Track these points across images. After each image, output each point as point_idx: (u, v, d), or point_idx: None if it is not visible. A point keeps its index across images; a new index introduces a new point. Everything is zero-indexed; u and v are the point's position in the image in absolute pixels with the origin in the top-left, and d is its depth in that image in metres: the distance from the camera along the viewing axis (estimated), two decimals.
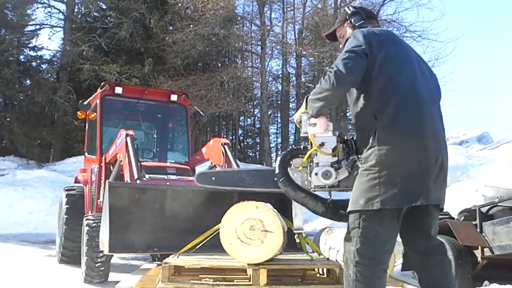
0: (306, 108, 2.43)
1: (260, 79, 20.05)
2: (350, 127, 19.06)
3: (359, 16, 2.58)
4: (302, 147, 2.61)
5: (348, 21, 2.61)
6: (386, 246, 2.21)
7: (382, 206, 2.13)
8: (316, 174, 2.42)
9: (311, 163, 2.49)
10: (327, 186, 2.44)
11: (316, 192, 2.51)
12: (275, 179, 2.58)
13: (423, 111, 2.24)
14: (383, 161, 2.16)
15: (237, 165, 5.23)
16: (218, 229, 3.43)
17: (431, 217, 2.32)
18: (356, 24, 2.55)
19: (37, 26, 18.26)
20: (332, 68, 2.25)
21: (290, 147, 22.36)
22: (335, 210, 2.48)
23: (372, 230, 2.17)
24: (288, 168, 2.58)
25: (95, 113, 6.26)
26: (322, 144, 2.44)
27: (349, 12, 2.62)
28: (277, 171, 2.56)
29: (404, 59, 2.36)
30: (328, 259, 3.51)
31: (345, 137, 2.47)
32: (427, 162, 2.18)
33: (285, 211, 3.55)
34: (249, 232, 3.03)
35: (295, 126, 21.92)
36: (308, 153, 2.48)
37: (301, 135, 2.57)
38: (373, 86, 2.27)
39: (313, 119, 2.42)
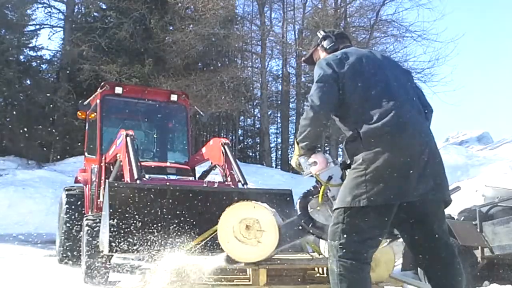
0: (299, 150, 2.48)
1: (260, 79, 20.06)
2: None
3: (329, 39, 2.70)
4: (312, 187, 2.63)
5: (320, 45, 2.73)
6: (369, 242, 2.23)
7: (368, 203, 2.16)
8: None
9: (327, 200, 2.52)
10: None
11: None
12: (301, 226, 2.65)
13: (402, 110, 2.28)
14: (369, 159, 2.21)
15: (237, 165, 5.24)
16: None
17: (430, 213, 2.31)
18: (328, 47, 2.68)
19: (37, 26, 18.25)
20: (308, 102, 2.36)
21: (290, 147, 22.28)
22: None
23: (356, 226, 2.20)
24: (310, 211, 2.63)
25: (95, 113, 6.26)
26: (330, 178, 2.46)
27: (320, 36, 2.74)
28: (301, 220, 2.61)
29: (373, 67, 2.43)
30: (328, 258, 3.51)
31: (347, 162, 2.47)
32: (412, 158, 2.21)
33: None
34: (246, 232, 3.06)
35: (295, 126, 21.97)
36: (321, 191, 2.50)
37: (304, 176, 2.65)
38: (351, 102, 2.35)
39: (311, 158, 2.46)
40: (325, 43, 2.69)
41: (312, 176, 2.52)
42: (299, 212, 2.63)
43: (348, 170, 2.42)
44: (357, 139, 2.28)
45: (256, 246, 3.04)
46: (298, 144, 2.47)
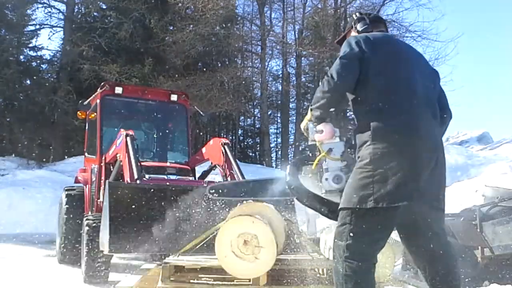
0: (311, 116, 2.48)
1: (260, 79, 20.06)
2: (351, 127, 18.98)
3: (363, 21, 2.62)
4: (311, 154, 2.64)
5: (354, 27, 2.65)
6: (376, 243, 2.23)
7: (375, 205, 2.14)
8: (327, 179, 2.46)
9: (321, 170, 2.52)
10: (338, 191, 2.46)
11: (328, 197, 2.53)
12: (286, 186, 2.64)
13: (418, 111, 2.26)
14: (377, 159, 2.18)
15: (237, 165, 5.24)
16: (218, 228, 3.43)
17: (432, 214, 2.31)
18: (360, 30, 2.59)
19: (37, 26, 18.23)
20: (327, 74, 2.33)
21: (290, 147, 22.33)
22: None
23: (363, 227, 2.19)
24: (299, 176, 2.63)
25: (95, 113, 6.26)
26: (330, 150, 2.47)
27: (355, 18, 2.67)
28: (287, 179, 2.61)
29: (400, 60, 2.39)
30: (328, 259, 3.50)
31: (353, 142, 2.46)
32: (421, 162, 2.19)
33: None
34: (243, 247, 3.02)
35: (295, 126, 21.95)
36: (317, 159, 2.51)
37: (309, 143, 2.65)
38: (369, 88, 2.31)
39: (319, 126, 2.46)
40: (358, 26, 2.62)
41: (315, 143, 2.53)
42: (287, 171, 2.62)
43: (353, 154, 2.40)
44: (367, 131, 2.25)
45: (253, 262, 3.00)
46: (311, 110, 2.46)
